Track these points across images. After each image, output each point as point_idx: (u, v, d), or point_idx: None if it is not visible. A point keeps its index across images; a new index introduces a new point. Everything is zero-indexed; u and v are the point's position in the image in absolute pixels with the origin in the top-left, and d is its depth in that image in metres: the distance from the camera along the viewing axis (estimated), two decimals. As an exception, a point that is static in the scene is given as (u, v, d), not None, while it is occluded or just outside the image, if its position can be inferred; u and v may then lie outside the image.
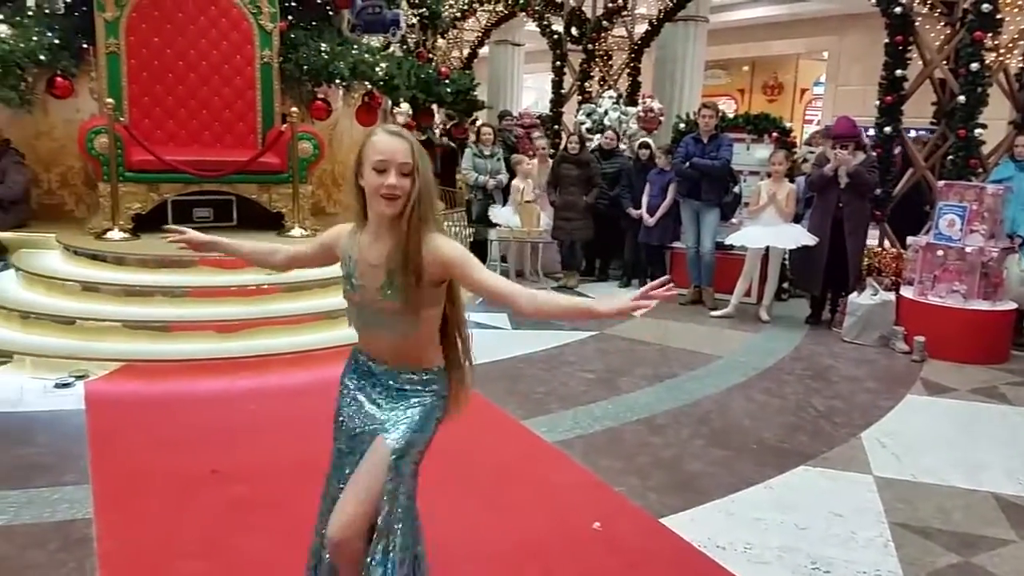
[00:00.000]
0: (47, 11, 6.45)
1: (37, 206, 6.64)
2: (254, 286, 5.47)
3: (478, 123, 9.11)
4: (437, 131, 11.29)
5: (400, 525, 2.05)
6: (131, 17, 6.21)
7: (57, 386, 4.50)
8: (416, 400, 2.09)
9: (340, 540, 2.02)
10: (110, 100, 5.94)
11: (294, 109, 6.46)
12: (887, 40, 7.06)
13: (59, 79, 6.20)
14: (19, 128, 6.47)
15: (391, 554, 2.03)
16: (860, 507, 3.46)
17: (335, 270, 2.17)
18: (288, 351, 5.04)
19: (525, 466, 3.81)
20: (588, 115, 9.57)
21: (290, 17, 7.00)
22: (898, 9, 6.89)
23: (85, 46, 6.34)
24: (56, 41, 6.11)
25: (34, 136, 6.59)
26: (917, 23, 7.08)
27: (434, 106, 8.12)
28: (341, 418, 2.17)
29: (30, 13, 6.33)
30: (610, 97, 9.59)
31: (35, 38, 5.98)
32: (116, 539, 2.94)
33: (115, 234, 5.90)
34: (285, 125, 6.37)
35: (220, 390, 4.59)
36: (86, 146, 5.89)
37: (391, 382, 2.11)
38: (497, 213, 7.79)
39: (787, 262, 7.34)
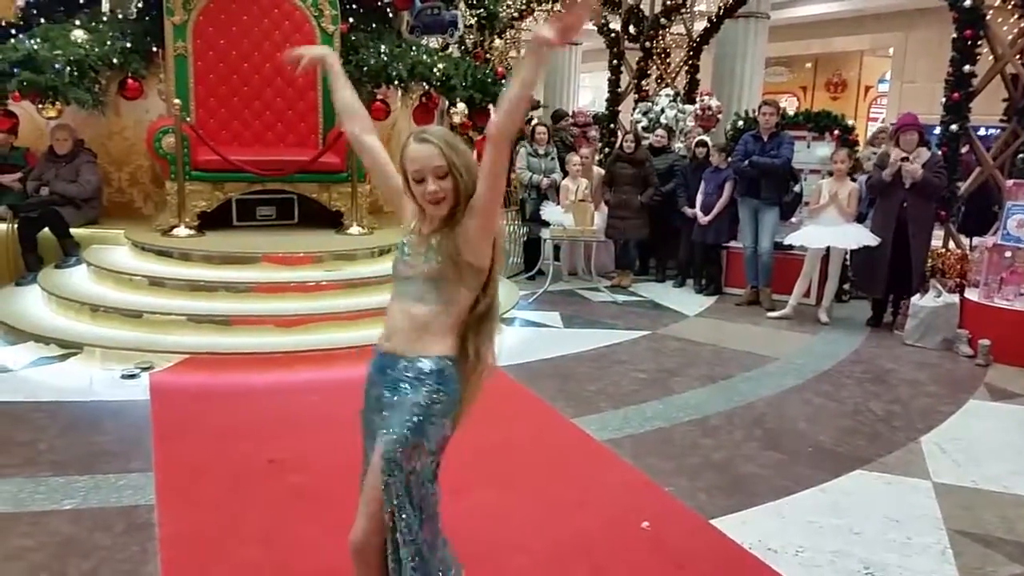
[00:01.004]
0: (120, 16, 6.71)
1: (108, 203, 6.89)
2: (313, 283, 5.59)
3: (533, 122, 9.12)
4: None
5: (403, 534, 1.97)
6: (198, 20, 6.40)
7: (124, 377, 4.66)
8: (413, 397, 2.01)
9: (353, 549, 2.05)
10: (177, 101, 6.14)
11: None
12: (955, 35, 6.85)
13: (130, 81, 6.45)
14: (92, 128, 6.73)
15: (403, 563, 2.00)
16: (917, 513, 3.39)
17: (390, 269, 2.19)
18: (345, 346, 5.13)
19: (574, 464, 3.82)
20: (644, 113, 9.52)
21: (351, 19, 7.14)
22: (968, 2, 6.68)
23: (155, 49, 6.57)
24: (128, 45, 6.36)
25: (106, 136, 6.85)
26: (988, 16, 6.85)
27: (490, 106, 8.16)
28: (362, 416, 2.17)
29: (104, 19, 6.60)
30: (667, 95, 9.52)
31: (108, 42, 6.23)
32: (177, 525, 3.05)
33: (181, 231, 6.10)
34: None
35: (278, 383, 4.71)
36: (154, 146, 6.10)
37: (390, 371, 2.06)
38: (549, 211, 7.80)
39: (848, 263, 7.19)
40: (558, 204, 7.99)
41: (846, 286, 7.50)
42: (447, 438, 2.08)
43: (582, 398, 4.70)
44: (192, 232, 6.12)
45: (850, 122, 8.17)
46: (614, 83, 11.39)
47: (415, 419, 1.99)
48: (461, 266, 2.00)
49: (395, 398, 2.04)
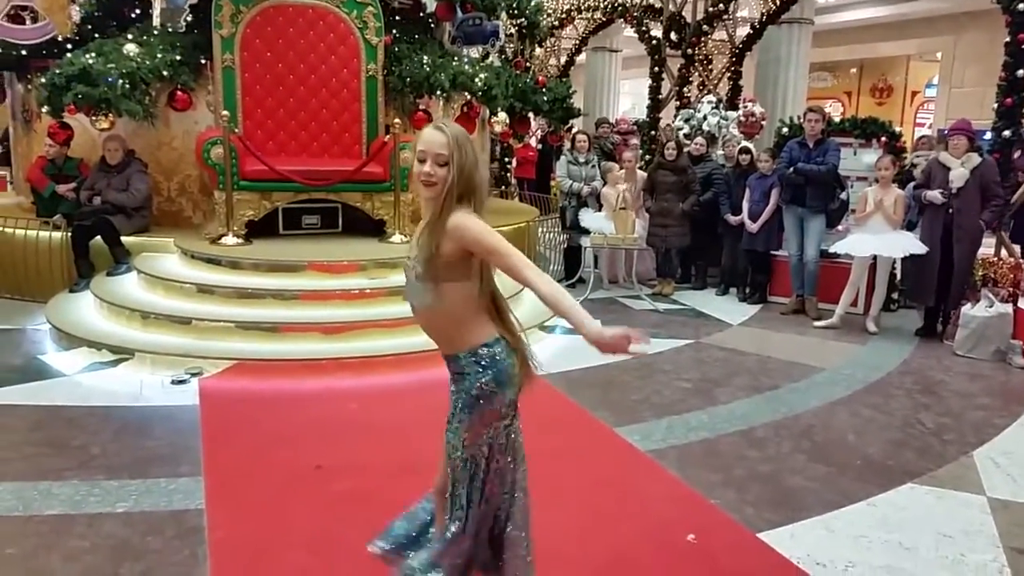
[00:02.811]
0: (170, 30, 6.87)
1: (158, 212, 7.05)
2: (357, 290, 5.66)
3: (574, 130, 9.12)
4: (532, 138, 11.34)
5: (452, 504, 2.25)
6: (245, 33, 6.53)
7: (174, 382, 4.76)
8: (463, 387, 2.19)
9: (435, 490, 2.39)
10: (225, 112, 6.27)
11: (397, 120, 6.65)
12: (1008, 39, 6.69)
13: (179, 93, 6.60)
14: (143, 139, 6.90)
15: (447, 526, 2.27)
16: (971, 529, 3.31)
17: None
18: (389, 353, 5.18)
19: (617, 474, 3.80)
20: (686, 120, 9.46)
21: (394, 31, 7.23)
22: (1022, 5, 6.53)
23: (203, 62, 6.73)
24: (177, 58, 6.51)
25: (156, 146, 7.01)
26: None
27: (530, 115, 8.19)
28: None
29: (155, 32, 6.77)
30: (709, 102, 9.45)
31: (159, 55, 6.38)
32: (226, 529, 3.10)
33: (229, 239, 6.21)
34: (388, 136, 6.58)
35: (325, 389, 4.77)
36: (203, 156, 6.23)
37: (452, 366, 2.23)
38: (588, 218, 7.78)
39: (896, 271, 7.06)
40: (598, 212, 7.97)
41: (894, 295, 7.36)
42: (503, 414, 2.22)
43: (624, 407, 4.67)
44: (240, 240, 6.24)
45: (897, 129, 8.03)
46: (655, 90, 11.35)
47: (464, 410, 2.19)
48: (439, 264, 2.10)
49: (455, 387, 2.23)
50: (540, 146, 13.14)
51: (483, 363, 2.17)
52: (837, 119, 8.44)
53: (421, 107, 7.08)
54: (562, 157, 8.51)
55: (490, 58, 8.78)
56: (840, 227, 7.35)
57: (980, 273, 6.32)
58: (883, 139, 7.66)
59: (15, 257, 6.49)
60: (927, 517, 3.42)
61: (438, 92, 6.89)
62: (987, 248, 6.68)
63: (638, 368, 5.46)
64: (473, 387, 2.17)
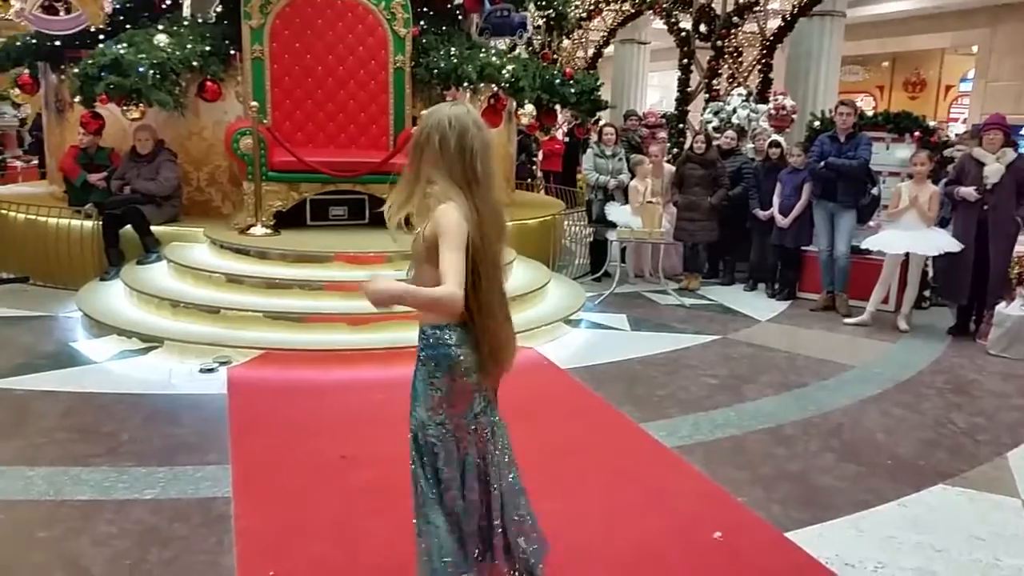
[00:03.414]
0: (200, 21, 6.91)
1: (187, 202, 7.10)
2: (383, 282, 5.66)
3: (601, 123, 9.07)
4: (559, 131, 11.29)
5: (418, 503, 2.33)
6: (274, 24, 6.56)
7: (202, 371, 4.80)
8: (421, 365, 2.30)
9: None
10: (255, 103, 6.30)
11: (424, 112, 6.63)
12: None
13: (209, 83, 6.64)
14: (172, 129, 6.95)
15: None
16: (1006, 532, 3.24)
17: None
18: (412, 345, 5.16)
19: (643, 470, 3.77)
20: (715, 113, 9.37)
21: (422, 23, 7.21)
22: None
23: (232, 53, 6.75)
24: (207, 48, 6.55)
25: (186, 137, 7.07)
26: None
27: (557, 107, 8.15)
28: None
29: (185, 23, 6.81)
30: (739, 95, 9.35)
31: (189, 46, 6.42)
32: (253, 517, 3.12)
33: (258, 230, 6.25)
34: (415, 127, 6.56)
35: (350, 379, 4.79)
36: (232, 147, 6.27)
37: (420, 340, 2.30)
38: (614, 211, 7.73)
39: (928, 268, 6.94)
40: (625, 205, 7.92)
41: (926, 292, 7.24)
42: (450, 403, 2.27)
43: (650, 403, 4.64)
44: (268, 231, 6.27)
45: (932, 123, 7.90)
46: (684, 83, 11.25)
47: (416, 386, 2.33)
48: (419, 245, 2.21)
49: (416, 368, 2.33)
50: (567, 139, 13.09)
51: (429, 340, 2.25)
52: (869, 113, 8.32)
53: (448, 98, 7.06)
54: (589, 150, 8.46)
55: (517, 50, 8.75)
56: (871, 223, 7.24)
57: (1016, 271, 6.19)
58: (916, 134, 7.54)
59: (47, 245, 6.58)
60: (959, 519, 3.36)
61: (465, 84, 6.87)
62: (1022, 246, 6.54)
63: (664, 363, 5.42)
64: (419, 356, 2.28)
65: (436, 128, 2.18)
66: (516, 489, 2.39)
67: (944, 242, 6.25)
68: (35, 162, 11.76)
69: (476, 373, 2.26)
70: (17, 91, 7.87)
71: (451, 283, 2.05)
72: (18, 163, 11.95)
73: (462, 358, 2.23)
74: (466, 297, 2.11)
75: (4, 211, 7.01)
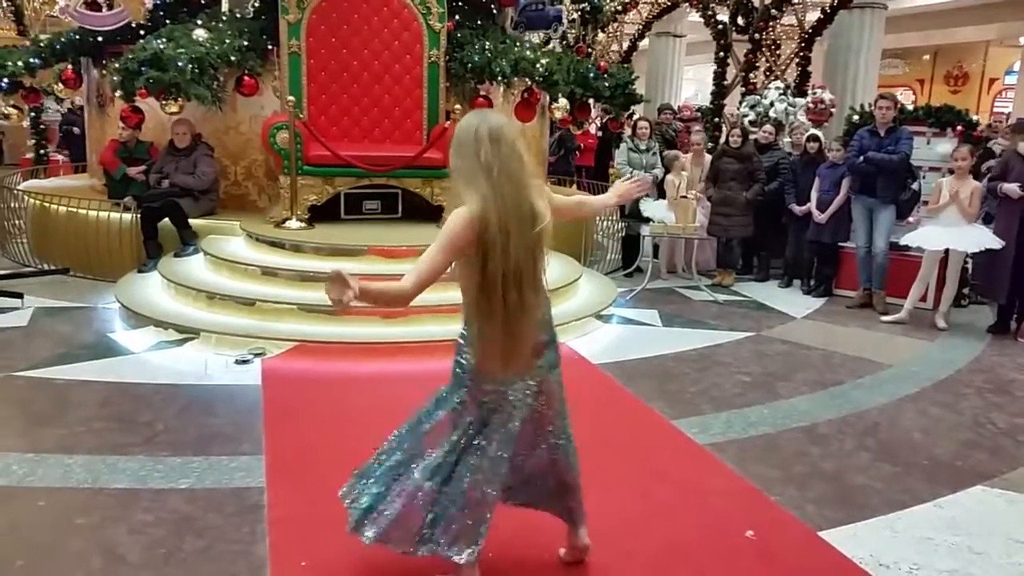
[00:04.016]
0: (238, 16, 6.99)
1: (224, 196, 7.19)
2: (416, 275, 5.68)
3: (635, 117, 9.01)
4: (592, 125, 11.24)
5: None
6: (311, 19, 6.60)
7: (237, 362, 4.85)
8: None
9: None
10: (291, 97, 6.35)
11: (458, 106, 6.65)
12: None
13: (247, 78, 6.71)
14: (210, 123, 7.04)
15: None
16: (1047, 537, 3.17)
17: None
18: (443, 339, 5.17)
19: (674, 467, 3.75)
20: (752, 107, 9.26)
21: (457, 17, 7.21)
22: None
23: (270, 47, 6.81)
24: (245, 43, 6.61)
25: (223, 131, 7.15)
26: None
27: (591, 101, 8.10)
28: None
29: (223, 18, 6.89)
30: (777, 88, 9.22)
31: (227, 41, 6.49)
32: (285, 507, 3.16)
33: (293, 223, 6.30)
34: (449, 122, 6.58)
35: (383, 372, 4.82)
36: (269, 141, 6.33)
37: None
38: (648, 206, 7.67)
39: (969, 266, 6.79)
40: (657, 200, 7.86)
41: (966, 290, 7.10)
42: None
43: (682, 399, 4.61)
44: (303, 224, 6.32)
45: (975, 117, 7.73)
46: (720, 76, 11.13)
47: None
48: None
49: None
50: (600, 133, 13.02)
51: (458, 344, 2.52)
52: (909, 107, 8.16)
53: (482, 93, 7.06)
54: (622, 144, 8.41)
55: (551, 43, 8.72)
56: (911, 219, 7.11)
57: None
58: (959, 128, 7.38)
59: (87, 237, 6.71)
60: (998, 521, 3.29)
61: (499, 78, 6.86)
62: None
63: (696, 360, 5.38)
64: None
65: (461, 134, 2.31)
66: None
67: (985, 238, 6.12)
68: (63, 157, 11.98)
69: (472, 372, 2.46)
70: (61, 86, 8.02)
71: (407, 278, 2.26)
72: (59, 157, 12.19)
73: (465, 365, 2.49)
74: (476, 300, 2.32)
75: (46, 204, 7.16)
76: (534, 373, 2.49)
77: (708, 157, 8.14)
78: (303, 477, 3.43)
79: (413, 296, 2.28)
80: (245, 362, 4.85)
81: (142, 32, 6.94)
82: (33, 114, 11.31)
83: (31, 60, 7.56)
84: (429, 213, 6.71)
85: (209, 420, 4.04)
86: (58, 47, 7.67)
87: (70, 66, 7.75)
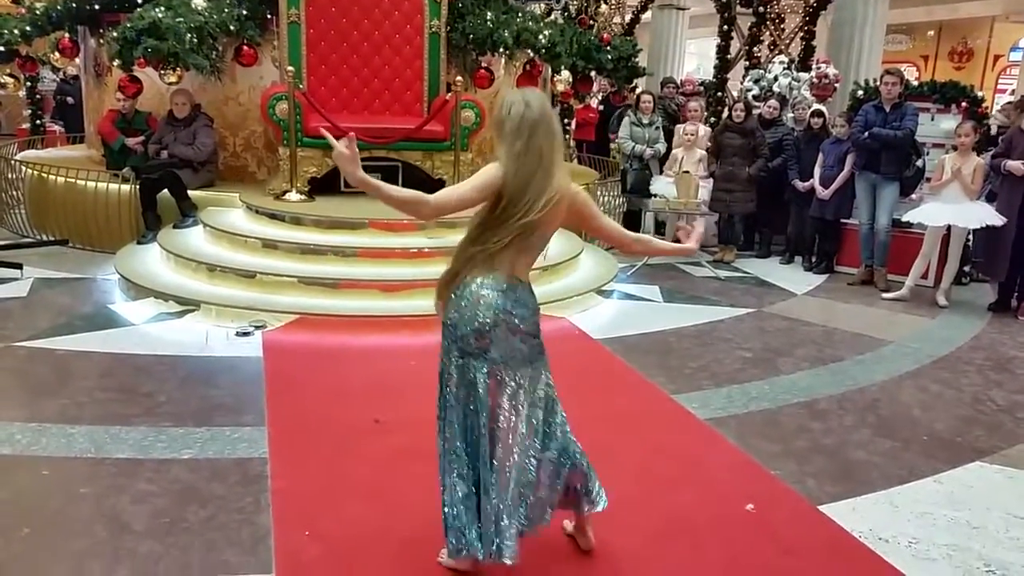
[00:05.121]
0: (237, -17, 6.89)
1: (223, 167, 7.15)
2: (416, 249, 5.67)
3: (637, 90, 8.94)
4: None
5: None
6: (311, -12, 6.51)
7: (238, 334, 4.85)
8: None
9: None
10: (291, 68, 6.28)
11: (459, 78, 6.59)
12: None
13: (246, 48, 6.64)
14: (209, 94, 6.97)
15: None
16: (1046, 512, 3.19)
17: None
18: (445, 313, 5.19)
19: (675, 441, 3.76)
20: (756, 81, 9.18)
21: (458, -14, 7.11)
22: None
23: (269, 16, 6.73)
24: (244, 12, 6.54)
25: (222, 102, 7.09)
26: None
27: (593, 73, 8.03)
28: None
29: (222, -13, 6.79)
30: (781, 63, 9.14)
31: (226, 10, 6.41)
32: (288, 478, 3.17)
33: (292, 196, 6.27)
34: (450, 94, 6.52)
35: (383, 345, 4.83)
36: (268, 112, 6.27)
37: None
38: (659, 186, 7.63)
39: (970, 243, 6.78)
40: (660, 175, 7.82)
41: (967, 268, 7.09)
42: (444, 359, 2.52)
43: (683, 375, 4.61)
44: (303, 197, 6.29)
45: (980, 93, 7.67)
46: (723, 50, 11.03)
47: None
48: None
49: None
50: (602, 107, 12.92)
51: None
52: (914, 83, 8.10)
53: (483, 64, 6.99)
54: (625, 118, 8.35)
55: (553, 15, 8.63)
56: (914, 195, 7.09)
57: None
58: (964, 104, 7.33)
59: (86, 208, 6.67)
60: (997, 497, 3.31)
61: (501, 49, 6.79)
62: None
63: (697, 335, 5.39)
64: None
65: (502, 109, 2.36)
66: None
67: (987, 215, 6.10)
68: (56, 127, 11.86)
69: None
70: (57, 55, 7.94)
71: (434, 195, 2.31)
72: (56, 127, 12.09)
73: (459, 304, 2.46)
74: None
75: (44, 175, 7.11)
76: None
77: (704, 129, 8.07)
78: (305, 448, 3.45)
79: (430, 212, 2.35)
80: (246, 334, 4.85)
81: (140, 0, 6.85)
82: (29, 84, 11.20)
83: (27, 28, 7.46)
84: (430, 187, 6.64)
85: (211, 391, 4.05)
86: (54, 15, 7.56)
87: (67, 35, 7.66)
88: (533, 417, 2.43)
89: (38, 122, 11.81)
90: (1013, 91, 15.25)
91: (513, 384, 2.40)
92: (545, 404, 2.48)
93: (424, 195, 2.30)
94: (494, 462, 2.37)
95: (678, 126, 8.03)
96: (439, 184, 6.64)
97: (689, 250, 2.72)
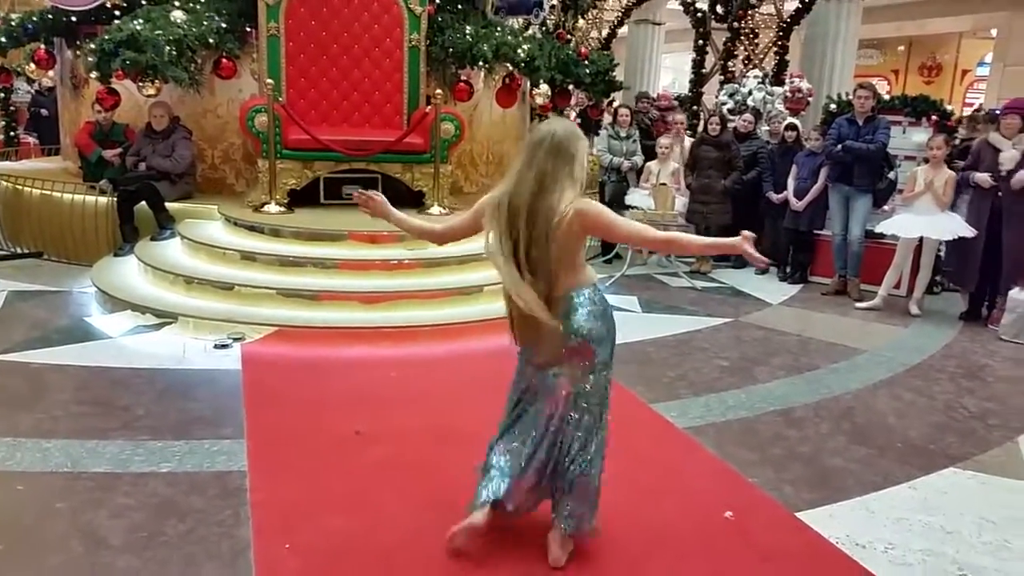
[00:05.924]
0: (216, -3, 6.89)
1: (201, 179, 7.13)
2: (396, 260, 5.68)
3: (615, 104, 9.02)
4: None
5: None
6: (290, 1, 6.53)
7: (216, 347, 4.82)
8: None
9: None
10: (270, 80, 6.29)
11: (438, 91, 6.62)
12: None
13: (225, 60, 6.63)
14: (188, 106, 6.96)
15: None
16: (1016, 515, 3.25)
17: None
18: (426, 324, 5.20)
19: (653, 450, 3.79)
20: (730, 95, 9.31)
21: (437, 1, 7.16)
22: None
23: (248, 29, 6.74)
24: (223, 25, 6.53)
25: (201, 114, 7.07)
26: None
27: (571, 87, 8.11)
28: None
29: (201, 0, 6.79)
30: (755, 77, 9.28)
31: (205, 23, 6.41)
32: (268, 491, 3.15)
33: (272, 208, 6.26)
34: (429, 107, 6.55)
35: (363, 357, 4.81)
36: (247, 124, 6.27)
37: None
38: (637, 198, 7.70)
39: (941, 254, 6.90)
40: (637, 187, 7.88)
41: (938, 278, 7.21)
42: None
43: (661, 384, 4.65)
44: (282, 209, 6.28)
45: (949, 107, 7.83)
46: (698, 64, 11.17)
47: None
48: None
49: None
50: (579, 120, 13.01)
51: None
52: (886, 97, 8.25)
53: (463, 78, 7.04)
54: (603, 131, 8.43)
55: (531, 29, 8.71)
56: (886, 207, 7.20)
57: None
58: (934, 118, 7.47)
59: (62, 221, 6.62)
60: (969, 502, 3.36)
61: (480, 63, 6.84)
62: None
63: (675, 345, 5.43)
64: None
65: (534, 135, 2.62)
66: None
67: (958, 227, 6.22)
68: (31, 140, 11.74)
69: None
70: (33, 66, 7.88)
71: (443, 221, 2.71)
72: (30, 139, 11.96)
73: None
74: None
75: (19, 186, 7.05)
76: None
77: (689, 140, 8.17)
78: (285, 460, 3.43)
79: (441, 238, 2.89)
80: (224, 347, 4.82)
81: (117, 13, 6.84)
82: (3, 95, 11.09)
83: (2, 40, 7.42)
84: (410, 199, 6.69)
85: (189, 404, 4.02)
86: (30, 27, 7.53)
87: (42, 46, 7.61)
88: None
89: (12, 134, 11.67)
90: (980, 104, 15.54)
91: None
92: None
93: (428, 224, 2.88)
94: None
95: (660, 139, 8.12)
96: (419, 196, 6.68)
97: (741, 248, 2.52)
